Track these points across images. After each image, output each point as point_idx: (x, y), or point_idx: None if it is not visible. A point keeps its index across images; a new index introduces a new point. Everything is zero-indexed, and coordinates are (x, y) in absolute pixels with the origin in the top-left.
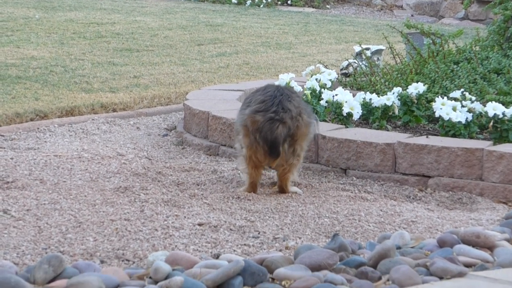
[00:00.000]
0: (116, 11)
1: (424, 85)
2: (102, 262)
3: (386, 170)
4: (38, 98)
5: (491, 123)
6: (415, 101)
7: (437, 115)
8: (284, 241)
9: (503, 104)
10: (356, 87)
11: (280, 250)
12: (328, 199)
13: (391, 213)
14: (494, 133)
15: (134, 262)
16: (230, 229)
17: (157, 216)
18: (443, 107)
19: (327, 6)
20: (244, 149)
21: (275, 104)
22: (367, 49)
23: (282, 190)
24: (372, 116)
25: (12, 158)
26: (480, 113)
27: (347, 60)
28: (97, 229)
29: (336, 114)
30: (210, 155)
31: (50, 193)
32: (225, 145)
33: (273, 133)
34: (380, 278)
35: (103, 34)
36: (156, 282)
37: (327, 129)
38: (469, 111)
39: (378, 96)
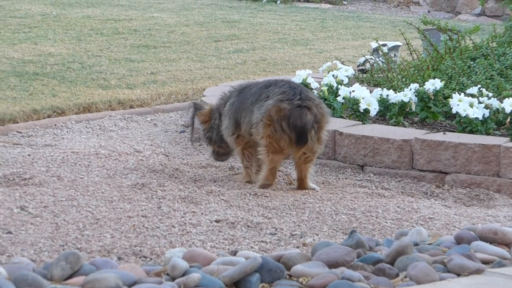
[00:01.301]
0: (133, 8)
1: (441, 81)
2: (119, 259)
3: (403, 166)
4: (55, 94)
5: (508, 119)
6: (432, 97)
7: (454, 111)
8: (301, 237)
9: None
10: (373, 83)
11: (297, 247)
12: (345, 196)
13: (409, 209)
14: (511, 129)
15: (151, 259)
16: (248, 226)
17: (174, 212)
18: (460, 104)
19: (344, 2)
20: (264, 139)
21: (297, 94)
22: (384, 45)
23: (302, 182)
24: (389, 113)
25: (29, 155)
26: (497, 109)
27: (364, 56)
28: (114, 225)
29: (353, 110)
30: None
31: (67, 189)
32: None
33: (302, 119)
34: (397, 275)
35: (120, 31)
36: (173, 279)
37: (344, 125)
38: (486, 107)
39: (395, 93)
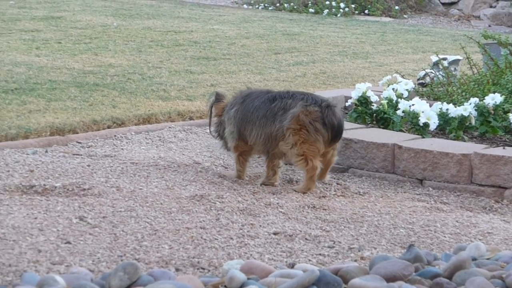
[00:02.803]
0: (194, 20)
1: (501, 95)
2: (177, 270)
3: (462, 181)
4: (115, 105)
5: None
6: (492, 111)
7: None
8: (359, 251)
9: None
10: (433, 97)
11: (355, 260)
12: (404, 210)
13: (467, 224)
14: None
15: (209, 271)
16: (306, 239)
17: (233, 224)
18: None
19: (404, 15)
20: (295, 147)
21: (315, 98)
22: (444, 59)
23: (324, 173)
24: (448, 127)
25: (89, 165)
26: None
27: (424, 70)
28: (172, 237)
29: (413, 124)
30: (286, 164)
31: (126, 200)
32: None
33: (337, 117)
34: None
35: (180, 42)
36: None
37: (403, 139)
38: None
39: (455, 107)
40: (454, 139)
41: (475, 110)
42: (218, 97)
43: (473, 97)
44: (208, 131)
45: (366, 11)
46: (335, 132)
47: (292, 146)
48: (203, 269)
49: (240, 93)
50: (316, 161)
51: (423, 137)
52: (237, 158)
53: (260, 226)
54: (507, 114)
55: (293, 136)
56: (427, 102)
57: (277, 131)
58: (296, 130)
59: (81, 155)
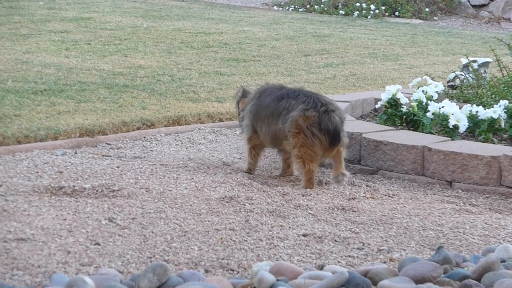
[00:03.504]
0: (224, 21)
1: None
2: (206, 271)
3: (491, 183)
4: (145, 107)
5: None
6: None
7: None
8: (388, 253)
9: None
10: (462, 100)
11: (385, 262)
12: (433, 212)
13: (496, 226)
14: None
15: (238, 272)
16: (335, 240)
17: (262, 226)
18: None
19: (435, 17)
20: (295, 149)
21: (317, 101)
22: (474, 61)
23: (338, 168)
24: (478, 129)
25: (118, 167)
26: None
27: (454, 72)
28: (202, 238)
29: (442, 126)
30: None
31: (155, 202)
32: None
33: (333, 122)
34: None
35: (210, 44)
36: None
37: (433, 141)
38: None
39: (485, 109)
40: (483, 141)
41: (505, 112)
42: (244, 93)
43: (503, 100)
44: (237, 132)
45: (396, 13)
46: (332, 137)
47: (293, 147)
48: (232, 270)
49: (258, 88)
50: (313, 165)
51: (453, 139)
52: (250, 151)
53: (290, 227)
54: None
55: (293, 138)
56: (457, 104)
57: (280, 131)
58: (295, 133)
59: (110, 156)
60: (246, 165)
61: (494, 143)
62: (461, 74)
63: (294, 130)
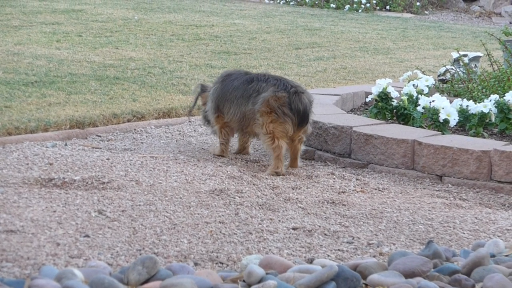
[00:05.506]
0: (215, 14)
1: None
2: (195, 264)
3: (481, 177)
4: (135, 99)
5: None
6: None
7: None
8: (378, 247)
9: None
10: (453, 94)
11: (374, 256)
12: (423, 206)
13: (486, 221)
14: None
15: (227, 265)
16: (325, 234)
17: (252, 219)
18: None
19: (426, 12)
20: (264, 126)
21: (287, 83)
22: (465, 55)
23: (295, 161)
24: (468, 123)
25: (108, 159)
26: None
27: (445, 66)
28: (191, 231)
29: (433, 120)
30: (306, 159)
31: (145, 194)
32: (321, 150)
33: (303, 102)
34: (473, 286)
35: (201, 37)
36: (249, 286)
37: (423, 135)
38: None
39: (475, 103)
40: (474, 136)
41: (495, 107)
42: (203, 88)
43: (493, 94)
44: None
45: (388, 7)
46: (301, 117)
47: (261, 126)
48: (222, 263)
49: (221, 74)
50: (282, 141)
51: (443, 134)
52: (220, 130)
53: (279, 221)
54: None
55: (262, 117)
56: (447, 99)
57: (250, 112)
58: (266, 113)
59: (100, 148)
60: (218, 147)
61: (484, 137)
62: (452, 68)
63: (265, 110)
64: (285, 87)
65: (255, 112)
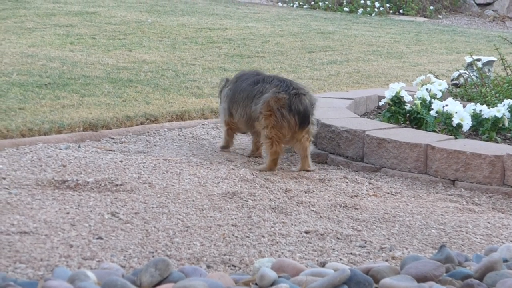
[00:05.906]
0: (228, 17)
1: None
2: (208, 267)
3: (494, 182)
4: (148, 102)
5: None
6: None
7: None
8: (390, 251)
9: None
10: (466, 98)
11: (387, 260)
12: (436, 210)
13: (499, 225)
14: None
15: (240, 268)
16: (337, 238)
17: (264, 222)
18: None
19: (439, 16)
20: (266, 130)
21: (289, 85)
22: (478, 60)
23: (305, 161)
24: (482, 128)
25: (121, 161)
26: None
27: (458, 70)
28: (204, 234)
29: (446, 124)
30: (319, 163)
31: (158, 197)
32: (334, 153)
33: (303, 104)
34: None
35: (214, 40)
36: None
37: (436, 139)
38: None
39: (488, 108)
40: (487, 140)
41: (509, 111)
42: (227, 83)
43: (507, 99)
44: None
45: (401, 11)
46: (302, 118)
47: (264, 128)
48: (234, 266)
49: (236, 74)
50: (279, 146)
51: (456, 138)
52: (226, 131)
53: (292, 224)
54: None
55: (264, 120)
56: (460, 103)
57: (253, 113)
58: (267, 115)
59: (114, 150)
60: (222, 142)
61: (497, 142)
62: (465, 73)
63: (265, 111)
64: (287, 89)
65: (258, 112)
